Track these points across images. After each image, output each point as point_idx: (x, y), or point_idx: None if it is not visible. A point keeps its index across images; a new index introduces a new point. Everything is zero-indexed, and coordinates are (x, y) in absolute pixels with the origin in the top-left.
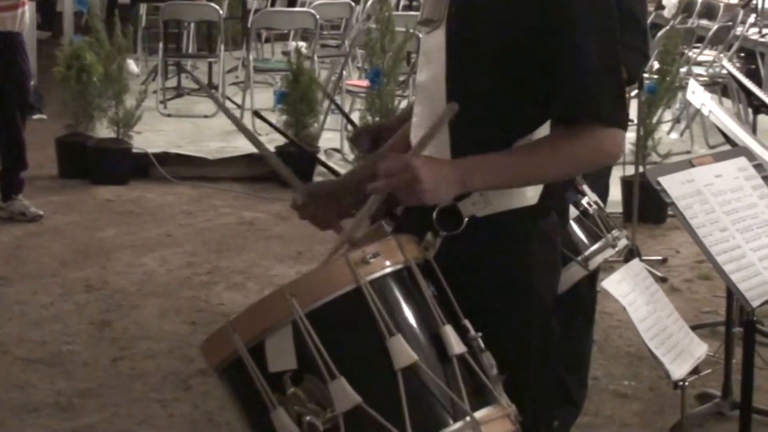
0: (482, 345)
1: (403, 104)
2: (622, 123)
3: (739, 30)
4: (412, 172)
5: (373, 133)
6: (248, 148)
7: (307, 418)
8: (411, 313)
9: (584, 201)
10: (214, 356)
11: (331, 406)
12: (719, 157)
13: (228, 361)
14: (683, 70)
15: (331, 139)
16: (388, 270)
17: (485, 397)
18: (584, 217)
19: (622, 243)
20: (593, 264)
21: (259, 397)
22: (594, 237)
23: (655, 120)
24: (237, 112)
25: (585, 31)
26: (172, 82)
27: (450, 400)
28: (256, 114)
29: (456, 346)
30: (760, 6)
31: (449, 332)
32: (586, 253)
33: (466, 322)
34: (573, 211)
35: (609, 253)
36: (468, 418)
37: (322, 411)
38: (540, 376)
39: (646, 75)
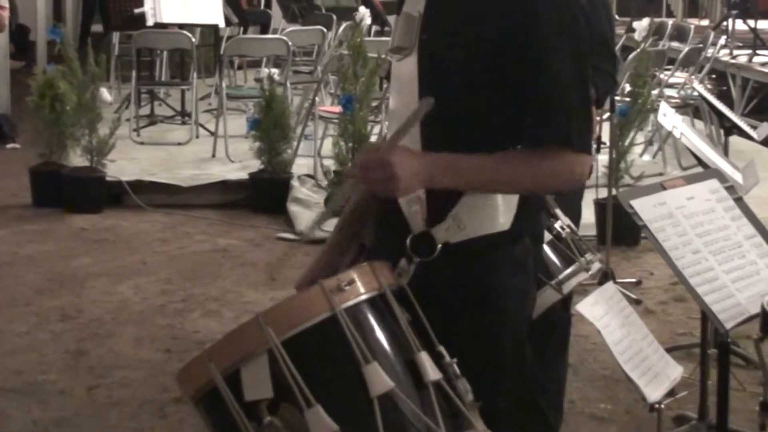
0: (457, 371)
1: (376, 129)
2: (589, 148)
3: (710, 52)
4: (390, 169)
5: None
6: (222, 175)
7: None
8: (386, 340)
9: (557, 225)
10: (189, 385)
11: None
12: (691, 180)
13: (204, 390)
14: (655, 92)
15: (305, 166)
16: (363, 297)
17: (461, 423)
18: (557, 240)
19: (596, 266)
20: (567, 288)
21: (235, 426)
22: (567, 261)
23: (627, 142)
24: (210, 139)
25: (557, 56)
26: (145, 110)
27: (426, 427)
28: None
29: (431, 372)
30: (730, 28)
31: (425, 359)
32: (560, 276)
33: (441, 348)
34: (546, 235)
35: (583, 276)
36: None
37: None
38: (515, 401)
39: (617, 98)
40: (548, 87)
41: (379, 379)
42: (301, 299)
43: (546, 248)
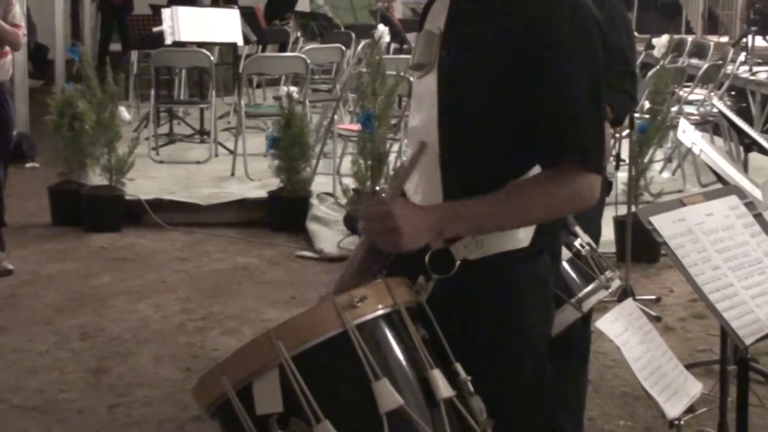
0: (472, 389)
1: (395, 147)
2: (601, 169)
3: (729, 68)
4: (392, 221)
5: None
6: (241, 193)
7: None
8: (398, 357)
9: (577, 242)
10: (204, 398)
11: None
12: (710, 196)
13: (218, 404)
14: (674, 109)
15: (324, 184)
16: (376, 314)
17: None
18: (577, 258)
19: (616, 284)
20: (587, 306)
21: None
22: (587, 278)
23: (646, 159)
24: (229, 158)
25: (572, 75)
26: (164, 129)
27: None
28: None
29: (444, 390)
30: (750, 45)
31: (437, 376)
32: (580, 294)
33: (457, 366)
34: (566, 253)
35: (603, 294)
36: None
37: None
38: (533, 418)
39: (637, 114)
40: (564, 107)
41: (389, 396)
42: (312, 315)
43: (566, 266)
